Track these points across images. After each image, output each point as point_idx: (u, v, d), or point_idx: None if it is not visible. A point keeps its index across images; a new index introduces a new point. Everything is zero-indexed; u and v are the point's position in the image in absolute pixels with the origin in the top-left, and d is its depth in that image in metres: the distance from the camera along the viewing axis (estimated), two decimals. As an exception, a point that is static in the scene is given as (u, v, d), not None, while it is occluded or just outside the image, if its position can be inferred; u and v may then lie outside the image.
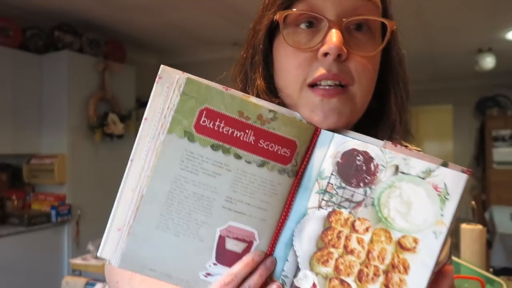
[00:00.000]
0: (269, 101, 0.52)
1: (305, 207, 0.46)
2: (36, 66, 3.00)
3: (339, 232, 0.45)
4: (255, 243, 0.47)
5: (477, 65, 4.07)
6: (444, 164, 0.42)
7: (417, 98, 5.94)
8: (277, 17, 0.51)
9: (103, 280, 1.79)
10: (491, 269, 1.42)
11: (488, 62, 3.98)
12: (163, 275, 0.46)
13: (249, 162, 0.45)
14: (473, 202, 1.67)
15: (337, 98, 0.49)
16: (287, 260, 0.47)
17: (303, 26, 0.51)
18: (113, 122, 3.19)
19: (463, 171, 0.42)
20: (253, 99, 0.46)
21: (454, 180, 0.41)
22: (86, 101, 3.09)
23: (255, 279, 0.46)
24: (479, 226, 1.46)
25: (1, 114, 2.77)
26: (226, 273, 0.45)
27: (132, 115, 3.44)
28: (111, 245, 0.45)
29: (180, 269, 0.46)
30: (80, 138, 3.06)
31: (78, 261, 2.09)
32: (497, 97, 5.40)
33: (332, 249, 0.45)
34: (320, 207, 0.46)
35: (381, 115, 0.57)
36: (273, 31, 0.54)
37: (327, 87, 0.49)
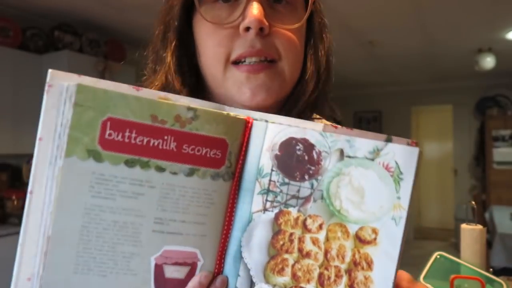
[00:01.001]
0: (179, 82, 0.50)
1: (249, 212, 0.41)
2: (36, 66, 3.00)
3: (291, 234, 0.40)
4: (199, 264, 0.41)
5: (477, 65, 4.07)
6: (388, 139, 0.38)
7: (417, 98, 5.95)
8: None
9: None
10: (491, 269, 1.41)
11: (488, 62, 3.98)
12: None
13: (175, 173, 0.39)
14: (473, 202, 1.67)
15: (264, 73, 0.48)
16: (239, 275, 0.41)
17: (220, 0, 0.48)
18: (113, 122, 3.20)
19: (408, 144, 0.38)
20: (171, 97, 0.39)
21: (406, 156, 0.37)
22: (86, 101, 3.09)
23: None
24: (479, 226, 1.46)
25: (1, 114, 2.77)
26: None
27: (132, 115, 3.44)
28: None
29: None
30: (80, 138, 3.07)
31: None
32: (497, 97, 5.40)
33: (286, 255, 0.40)
34: (265, 209, 0.40)
35: (301, 88, 0.53)
36: (190, 7, 0.50)
37: (252, 63, 0.47)
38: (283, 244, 0.40)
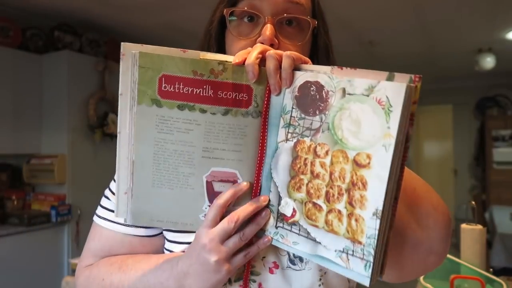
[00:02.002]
0: None
1: (275, 142, 0.52)
2: (36, 66, 2.99)
3: (305, 159, 0.50)
4: (239, 182, 0.53)
5: (477, 65, 4.07)
6: (390, 77, 0.43)
7: (417, 98, 5.94)
8: (224, 12, 0.63)
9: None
10: (491, 269, 1.41)
11: (488, 62, 3.98)
12: (170, 223, 0.54)
13: (214, 114, 0.50)
14: (473, 202, 1.67)
15: None
16: (270, 191, 0.53)
17: (245, 19, 0.63)
18: (113, 122, 3.19)
19: (411, 79, 0.42)
20: (208, 55, 0.50)
21: (395, 91, 0.42)
22: (86, 101, 3.09)
23: (253, 227, 0.53)
24: (479, 226, 1.46)
25: (1, 114, 2.77)
26: (215, 203, 0.53)
27: (132, 115, 3.44)
28: (122, 207, 0.53)
29: (182, 216, 0.53)
30: (80, 138, 3.06)
31: (78, 261, 2.09)
32: (497, 97, 5.40)
33: (302, 176, 0.50)
34: (287, 139, 0.51)
35: None
36: (225, 22, 0.65)
37: None
38: (300, 167, 0.50)
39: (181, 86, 0.49)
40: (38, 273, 2.78)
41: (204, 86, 0.50)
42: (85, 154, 3.10)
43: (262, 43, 0.59)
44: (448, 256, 1.36)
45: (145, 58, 0.48)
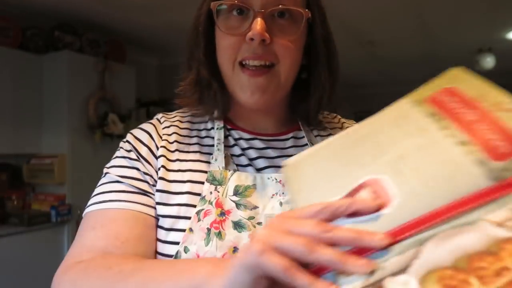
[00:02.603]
0: (208, 75, 0.62)
1: (479, 214, 0.33)
2: (36, 66, 2.99)
3: (505, 268, 0.30)
4: (384, 210, 0.36)
5: (477, 65, 4.07)
6: None
7: (417, 98, 5.94)
8: (211, 6, 0.59)
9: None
10: (491, 269, 1.41)
11: (488, 62, 3.98)
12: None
13: (448, 136, 0.37)
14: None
15: (263, 77, 0.58)
16: (399, 254, 0.34)
17: (234, 13, 0.59)
18: (113, 122, 3.19)
19: None
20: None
21: None
22: (86, 101, 3.09)
23: (334, 255, 0.34)
24: (479, 226, 1.46)
25: (1, 114, 2.77)
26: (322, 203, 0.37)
27: (132, 115, 3.44)
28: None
29: (326, 190, 0.41)
30: (80, 138, 3.06)
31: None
32: (497, 97, 5.39)
33: (472, 280, 0.31)
34: (501, 225, 0.33)
35: (308, 88, 0.66)
36: (212, 16, 0.60)
37: (254, 68, 0.58)
38: (483, 269, 0.31)
39: (452, 99, 0.42)
40: (38, 273, 2.78)
41: (472, 110, 0.40)
42: (85, 154, 3.10)
43: (252, 38, 0.56)
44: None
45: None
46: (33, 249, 2.76)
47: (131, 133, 0.67)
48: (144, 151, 0.63)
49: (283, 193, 0.60)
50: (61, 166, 2.91)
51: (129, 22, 3.25)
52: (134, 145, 0.64)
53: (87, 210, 0.61)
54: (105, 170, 0.65)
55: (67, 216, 2.94)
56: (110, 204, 0.58)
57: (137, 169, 0.61)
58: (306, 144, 0.67)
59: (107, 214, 0.58)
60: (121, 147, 0.65)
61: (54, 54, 3.01)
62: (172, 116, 0.70)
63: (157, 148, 0.63)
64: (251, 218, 0.57)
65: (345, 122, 0.77)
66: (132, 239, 0.56)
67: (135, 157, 0.62)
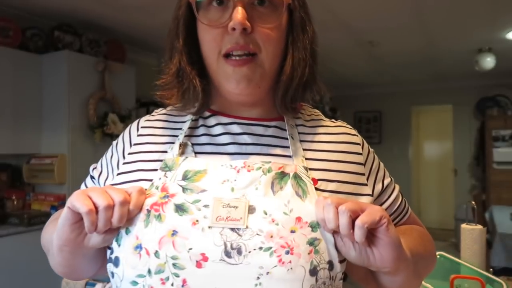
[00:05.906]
0: (190, 67, 0.62)
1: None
2: (36, 66, 2.99)
3: None
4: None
5: (477, 65, 4.07)
6: None
7: (417, 98, 5.95)
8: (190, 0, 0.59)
9: (103, 280, 1.79)
10: (491, 269, 1.41)
11: (488, 62, 3.98)
12: None
13: None
14: (473, 202, 1.67)
15: (247, 66, 0.59)
16: None
17: (214, 3, 0.59)
18: (113, 122, 3.19)
19: None
20: None
21: None
22: (86, 101, 3.09)
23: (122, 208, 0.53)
24: (479, 226, 1.46)
25: (1, 114, 2.77)
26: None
27: (132, 115, 3.43)
28: None
29: None
30: (80, 138, 3.06)
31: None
32: (497, 97, 5.40)
33: None
34: None
35: (289, 74, 0.63)
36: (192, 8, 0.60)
37: (237, 58, 0.58)
38: None
39: None
40: (38, 273, 2.78)
41: None
42: (85, 154, 3.09)
43: (234, 28, 0.56)
44: (448, 256, 1.36)
45: None
46: (33, 249, 2.76)
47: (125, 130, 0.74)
48: (119, 146, 0.70)
49: (235, 180, 0.57)
50: (61, 166, 2.91)
51: (129, 22, 3.25)
52: (118, 140, 0.72)
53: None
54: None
55: (67, 216, 2.93)
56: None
57: (107, 159, 0.71)
58: (287, 138, 0.64)
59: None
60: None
61: (54, 54, 3.01)
62: (158, 113, 0.74)
63: (130, 146, 0.68)
64: (196, 201, 0.55)
65: (323, 120, 0.72)
66: None
67: (114, 151, 0.71)
